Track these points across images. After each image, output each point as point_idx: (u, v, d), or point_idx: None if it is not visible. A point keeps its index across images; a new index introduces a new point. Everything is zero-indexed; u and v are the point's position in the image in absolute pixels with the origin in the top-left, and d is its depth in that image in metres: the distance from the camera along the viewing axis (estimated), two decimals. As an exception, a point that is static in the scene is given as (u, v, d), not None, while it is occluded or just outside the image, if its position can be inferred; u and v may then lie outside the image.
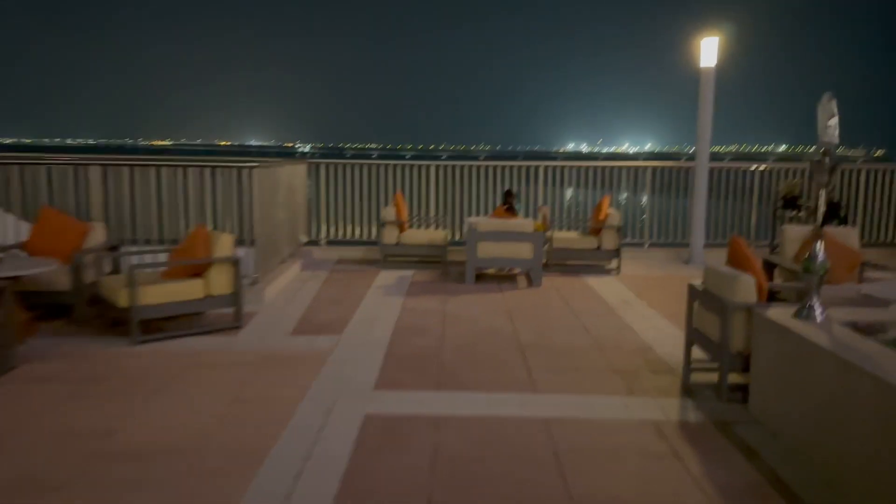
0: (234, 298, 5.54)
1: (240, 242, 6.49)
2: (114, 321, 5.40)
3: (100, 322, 5.58)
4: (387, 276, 7.94)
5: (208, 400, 4.10)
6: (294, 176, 8.70)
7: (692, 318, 4.60)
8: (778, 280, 6.01)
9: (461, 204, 9.93)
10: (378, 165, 9.89)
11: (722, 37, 8.63)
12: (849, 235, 6.01)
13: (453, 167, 9.95)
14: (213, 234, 5.57)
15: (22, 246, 5.91)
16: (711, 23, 8.83)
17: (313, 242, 9.72)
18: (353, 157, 12.28)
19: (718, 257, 5.98)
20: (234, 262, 5.50)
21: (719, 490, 3.08)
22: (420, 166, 9.92)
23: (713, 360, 4.33)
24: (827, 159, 3.66)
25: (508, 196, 8.55)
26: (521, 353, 5.10)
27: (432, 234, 8.67)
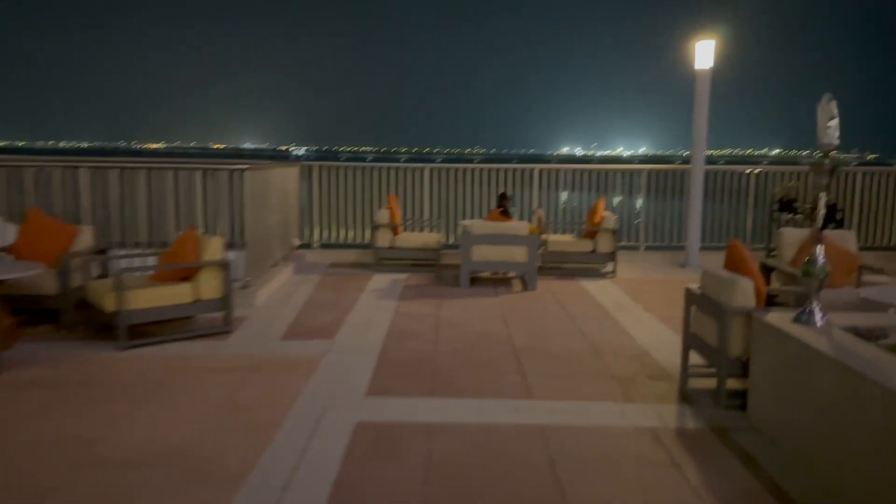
0: (224, 303, 5.45)
1: (230, 246, 6.41)
2: (101, 326, 5.30)
3: (87, 327, 5.47)
4: (380, 280, 7.86)
5: (196, 406, 4.01)
6: (286, 178, 8.62)
7: (690, 323, 4.54)
8: (775, 284, 5.96)
9: (456, 207, 9.88)
10: (372, 168, 9.83)
11: (717, 40, 8.61)
12: (846, 238, 5.96)
13: (448, 170, 9.90)
14: (202, 237, 5.49)
15: (8, 249, 5.80)
16: (706, 26, 8.81)
17: (306, 246, 9.64)
18: (348, 159, 12.22)
19: (714, 260, 5.93)
20: (224, 266, 5.42)
21: (717, 498, 3.02)
22: (414, 169, 9.86)
23: (711, 366, 4.27)
24: (826, 161, 3.61)
25: (503, 199, 8.48)
26: (517, 357, 5.02)
27: (426, 238, 8.59)
